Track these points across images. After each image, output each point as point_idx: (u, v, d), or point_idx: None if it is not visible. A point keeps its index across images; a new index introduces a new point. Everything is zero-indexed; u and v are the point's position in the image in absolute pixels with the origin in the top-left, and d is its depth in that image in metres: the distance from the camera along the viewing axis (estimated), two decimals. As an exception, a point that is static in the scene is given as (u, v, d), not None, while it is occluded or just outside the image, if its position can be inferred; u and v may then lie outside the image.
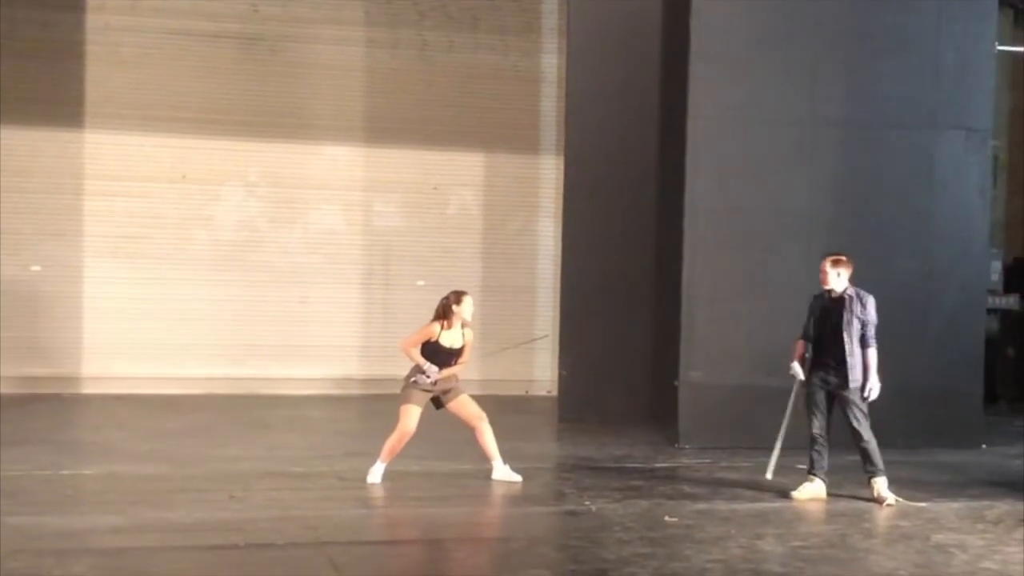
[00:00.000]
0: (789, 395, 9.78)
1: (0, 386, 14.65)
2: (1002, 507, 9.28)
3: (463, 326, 9.75)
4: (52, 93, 15.61)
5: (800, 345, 9.66)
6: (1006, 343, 16.72)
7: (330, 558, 7.29)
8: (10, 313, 15.32)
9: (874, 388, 9.31)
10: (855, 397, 9.30)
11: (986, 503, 9.44)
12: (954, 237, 12.62)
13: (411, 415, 9.58)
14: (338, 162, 16.55)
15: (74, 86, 15.69)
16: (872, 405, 9.45)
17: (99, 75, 15.76)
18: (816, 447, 9.49)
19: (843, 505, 9.26)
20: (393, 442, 9.64)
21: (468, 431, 9.95)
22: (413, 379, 9.63)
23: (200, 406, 14.48)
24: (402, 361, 9.90)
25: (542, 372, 16.56)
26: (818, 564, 7.39)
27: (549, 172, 16.77)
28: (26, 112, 15.42)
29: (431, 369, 9.55)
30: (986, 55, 12.79)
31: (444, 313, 9.68)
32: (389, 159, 16.59)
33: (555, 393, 14.62)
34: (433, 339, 9.62)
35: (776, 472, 9.95)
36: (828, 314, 9.43)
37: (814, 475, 9.51)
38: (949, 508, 9.24)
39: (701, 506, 9.09)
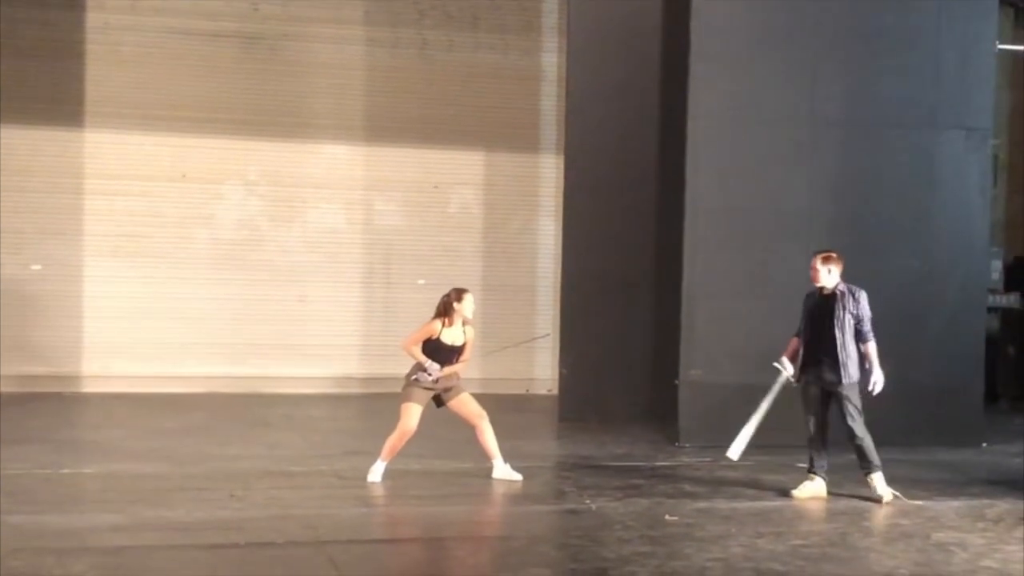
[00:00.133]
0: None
1: (0, 385, 14.65)
2: (1002, 506, 9.28)
3: (464, 324, 9.75)
4: (52, 92, 15.62)
5: (793, 342, 9.66)
6: (1006, 342, 16.72)
7: (330, 557, 7.29)
8: (10, 312, 15.32)
9: (878, 382, 9.29)
10: (850, 393, 9.29)
11: (986, 502, 9.44)
12: (954, 236, 12.61)
13: (412, 414, 9.58)
14: (338, 161, 16.55)
15: (74, 85, 15.70)
16: (872, 403, 9.45)
17: (99, 74, 15.77)
18: (815, 446, 9.50)
19: (843, 504, 9.25)
20: (394, 441, 9.64)
21: (468, 430, 9.95)
22: (414, 377, 9.63)
23: (200, 405, 14.48)
24: (402, 360, 9.90)
25: (542, 371, 16.56)
26: (819, 562, 7.39)
27: (549, 171, 16.78)
28: (26, 111, 15.42)
29: (433, 367, 9.54)
30: (986, 54, 12.78)
31: (445, 311, 9.68)
32: (389, 158, 16.60)
33: (555, 392, 14.62)
34: (434, 337, 9.62)
35: (775, 470, 9.95)
36: (820, 311, 9.43)
37: (814, 473, 9.51)
38: (949, 506, 9.24)
39: (701, 505, 9.09)
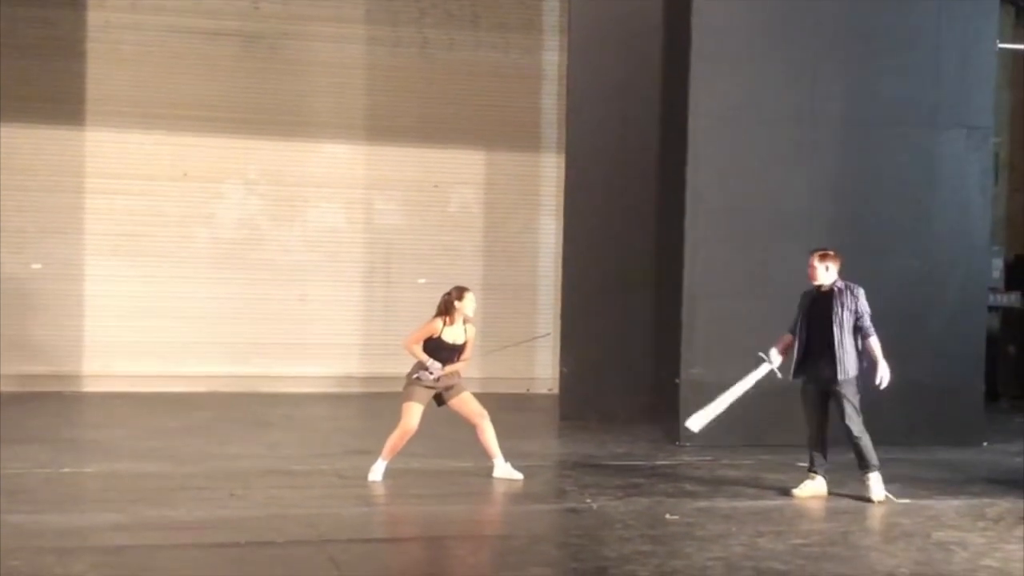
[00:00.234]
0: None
1: (1, 384, 14.65)
2: (1003, 505, 9.28)
3: (465, 322, 9.75)
4: (53, 91, 15.62)
5: (787, 338, 9.66)
6: (1007, 341, 16.72)
7: (331, 556, 7.29)
8: (11, 311, 15.32)
9: (885, 375, 9.27)
10: (847, 392, 9.28)
11: (987, 501, 9.43)
12: (955, 235, 12.61)
13: (413, 413, 9.58)
14: (339, 160, 16.55)
15: (75, 84, 15.70)
16: (873, 402, 9.45)
17: (100, 73, 15.77)
18: (815, 445, 9.50)
19: (844, 503, 9.25)
20: (395, 440, 9.64)
21: (469, 429, 9.95)
22: (416, 376, 9.63)
23: (201, 404, 14.48)
24: (403, 359, 9.90)
25: (543, 370, 16.56)
26: (819, 562, 7.39)
27: (550, 170, 16.77)
28: (27, 110, 15.42)
29: (434, 366, 9.54)
30: (987, 53, 12.78)
31: (446, 309, 9.68)
32: (390, 157, 16.60)
33: (556, 391, 14.62)
34: (436, 335, 9.62)
35: (775, 469, 9.94)
36: (817, 308, 9.43)
37: (814, 473, 9.51)
38: (950, 505, 9.24)
39: (702, 504, 9.09)
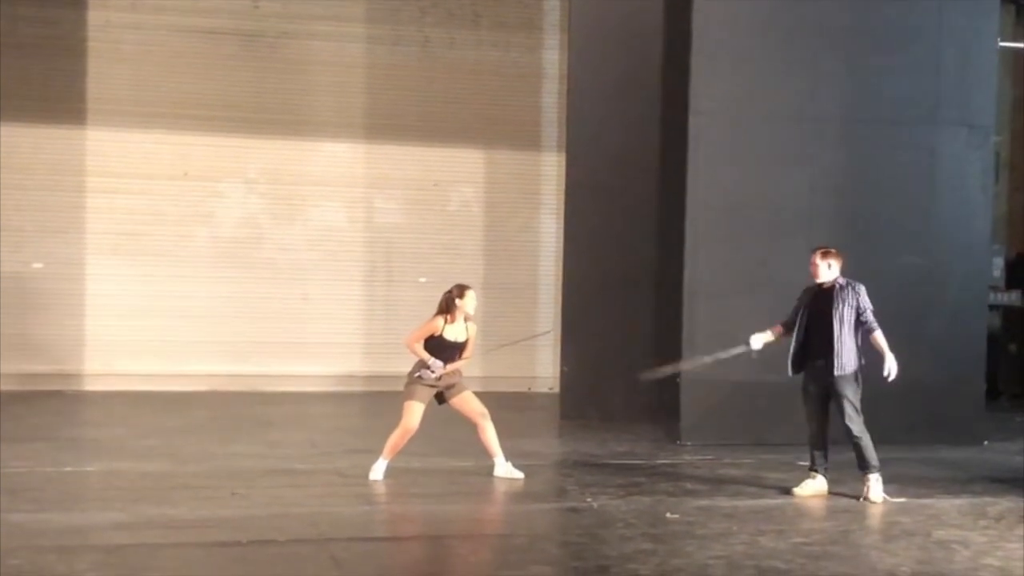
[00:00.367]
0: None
1: (2, 383, 14.65)
2: (1004, 503, 9.27)
3: (466, 320, 9.75)
4: (53, 90, 15.64)
5: (777, 328, 9.68)
6: (1008, 339, 16.74)
7: (332, 555, 7.29)
8: (12, 310, 15.34)
9: (892, 368, 9.25)
10: (846, 390, 9.27)
11: (988, 499, 9.43)
12: (956, 233, 12.61)
13: (414, 412, 9.58)
14: (339, 159, 16.55)
15: (75, 83, 15.72)
16: (874, 401, 9.45)
17: (100, 72, 15.78)
18: (816, 444, 9.50)
19: (845, 502, 9.25)
20: (396, 439, 9.64)
21: (470, 428, 9.95)
22: (417, 374, 9.62)
23: (202, 403, 14.49)
24: (404, 357, 9.90)
25: (544, 369, 16.57)
26: (820, 560, 7.39)
27: (550, 168, 16.78)
28: (27, 109, 15.43)
29: (436, 364, 9.54)
30: (988, 51, 12.78)
31: (447, 307, 9.68)
32: (390, 155, 16.61)
33: (557, 390, 14.62)
34: (437, 334, 9.62)
35: (776, 468, 9.95)
36: (818, 304, 9.42)
37: (815, 472, 9.51)
38: (951, 504, 9.24)
39: (703, 502, 9.09)
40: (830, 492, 9.46)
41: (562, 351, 14.12)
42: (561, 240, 14.64)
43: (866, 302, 9.35)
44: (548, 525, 8.61)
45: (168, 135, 15.92)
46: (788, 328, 9.64)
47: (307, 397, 15.37)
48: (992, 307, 14.96)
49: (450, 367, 9.63)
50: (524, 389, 16.41)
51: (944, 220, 12.60)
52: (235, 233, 16.26)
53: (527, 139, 16.89)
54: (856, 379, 9.33)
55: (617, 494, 9.30)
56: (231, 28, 16.15)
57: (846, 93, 12.37)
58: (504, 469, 9.85)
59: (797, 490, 9.45)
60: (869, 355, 9.37)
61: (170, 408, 13.93)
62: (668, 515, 8.57)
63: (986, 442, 12.42)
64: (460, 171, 16.83)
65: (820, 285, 9.46)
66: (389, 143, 16.55)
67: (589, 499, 9.10)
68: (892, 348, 9.36)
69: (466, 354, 9.77)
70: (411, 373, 9.69)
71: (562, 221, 14.49)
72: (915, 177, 12.58)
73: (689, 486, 9.76)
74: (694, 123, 12.10)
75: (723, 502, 9.13)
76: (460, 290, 9.73)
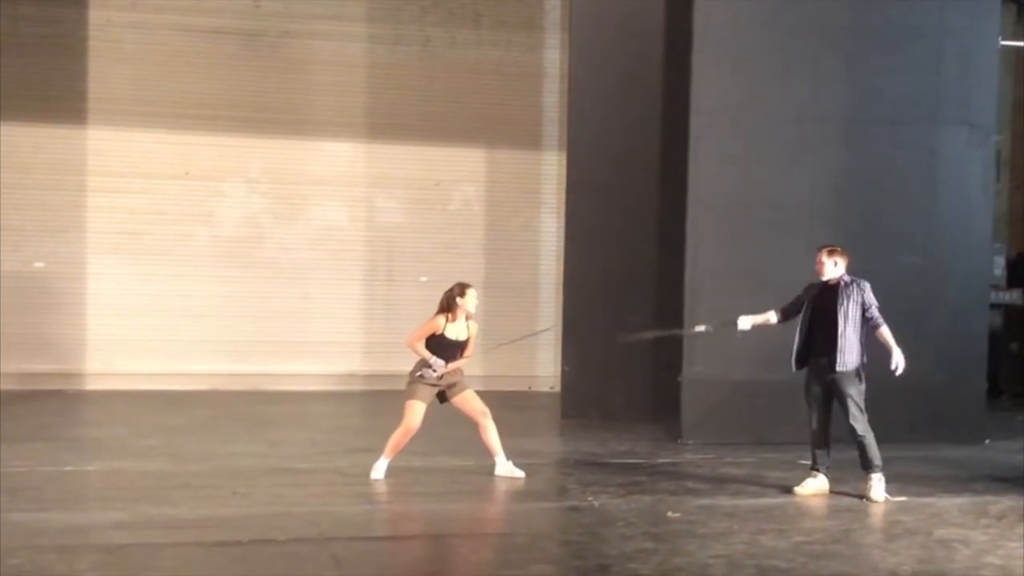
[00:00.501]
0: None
1: (3, 382, 14.66)
2: (1005, 502, 9.27)
3: (467, 319, 9.75)
4: (54, 89, 15.64)
5: (771, 313, 9.69)
6: (1009, 338, 16.73)
7: (333, 554, 7.29)
8: (13, 309, 15.34)
9: (900, 361, 9.23)
10: (849, 389, 9.27)
11: (989, 498, 9.43)
12: (956, 232, 12.60)
13: (416, 411, 9.57)
14: (340, 158, 16.56)
15: (76, 82, 15.72)
16: (876, 400, 9.44)
17: (101, 71, 15.78)
18: (818, 443, 9.49)
19: (846, 501, 9.25)
20: (397, 438, 9.64)
21: (471, 427, 9.95)
22: (419, 373, 9.62)
23: (203, 402, 14.49)
24: (405, 357, 9.90)
25: (545, 368, 16.57)
26: (821, 559, 7.39)
27: (551, 168, 16.78)
28: (28, 108, 15.44)
29: (438, 363, 9.54)
30: (989, 50, 12.77)
31: (448, 306, 9.68)
32: (391, 155, 16.61)
33: (558, 389, 14.62)
34: (438, 332, 9.62)
35: (777, 467, 9.96)
36: (823, 300, 9.42)
37: (817, 470, 9.50)
38: (952, 503, 9.23)
39: (704, 501, 9.09)
40: (831, 491, 9.45)
41: (563, 350, 14.12)
42: (562, 239, 14.64)
43: (871, 299, 9.37)
44: (549, 524, 8.61)
45: (169, 134, 15.92)
46: (786, 316, 9.66)
47: (308, 396, 15.37)
48: (993, 306, 14.95)
49: (451, 366, 9.63)
50: (525, 388, 16.41)
51: (945, 219, 12.60)
52: (236, 232, 16.26)
53: (528, 138, 16.89)
54: (859, 377, 9.33)
55: (618, 493, 9.30)
56: (232, 27, 16.15)
57: (847, 92, 12.36)
58: (505, 468, 9.85)
59: (798, 489, 9.45)
60: (874, 352, 9.37)
61: (171, 407, 13.93)
62: (669, 514, 8.57)
63: (987, 441, 12.42)
64: (461, 170, 16.83)
65: (826, 282, 9.46)
66: (390, 142, 16.55)
67: (590, 498, 9.10)
68: (893, 346, 9.36)
69: (467, 353, 9.77)
70: (412, 372, 9.69)
71: (563, 220, 14.48)
72: (916, 176, 12.57)
73: (690, 485, 9.76)
74: (695, 123, 12.10)
75: (724, 501, 9.12)
76: (461, 289, 9.73)
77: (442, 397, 9.78)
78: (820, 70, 12.32)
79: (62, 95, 15.66)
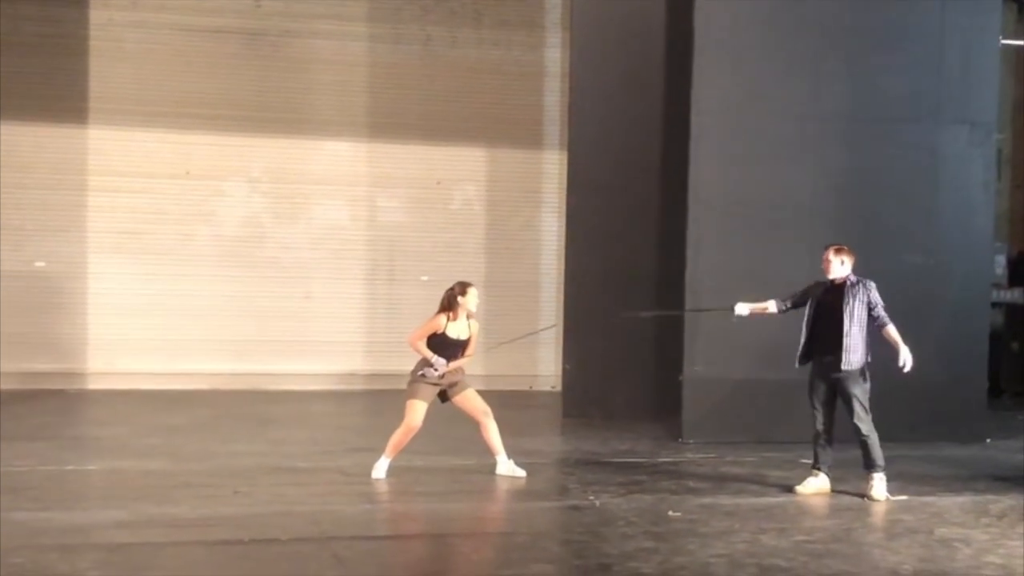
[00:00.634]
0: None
1: (4, 382, 14.66)
2: (1006, 501, 9.27)
3: (468, 317, 9.75)
4: (55, 88, 15.64)
5: (772, 302, 9.71)
6: (1010, 337, 16.71)
7: (334, 553, 7.29)
8: (14, 309, 15.34)
9: (907, 359, 9.24)
10: (854, 388, 9.27)
11: (990, 497, 9.43)
12: (958, 231, 12.60)
13: (417, 410, 9.58)
14: (341, 157, 16.55)
15: (77, 81, 15.71)
16: (877, 399, 9.43)
17: (102, 70, 15.78)
18: (820, 442, 9.49)
19: (847, 500, 9.25)
20: (399, 437, 9.64)
21: (472, 426, 9.95)
22: (421, 372, 9.62)
23: (204, 402, 14.49)
24: (406, 356, 9.90)
25: (546, 367, 16.57)
26: (822, 558, 7.39)
27: (552, 167, 16.78)
28: (29, 107, 15.44)
29: (439, 362, 9.54)
30: (990, 49, 12.77)
31: (450, 304, 9.68)
32: (392, 154, 16.60)
33: (559, 388, 14.62)
34: (440, 331, 9.62)
35: (778, 466, 9.98)
36: (829, 298, 9.43)
37: (818, 469, 9.50)
38: (953, 502, 9.24)
39: (705, 501, 9.09)
40: (833, 490, 9.46)
41: (564, 349, 14.13)
42: (563, 238, 14.64)
43: (877, 298, 9.38)
44: (550, 523, 8.61)
45: (170, 134, 15.91)
46: (791, 305, 9.64)
47: (309, 395, 15.37)
48: (994, 305, 14.94)
49: (453, 365, 9.63)
50: (526, 387, 16.41)
51: (946, 218, 12.60)
52: (237, 232, 16.26)
53: (529, 137, 16.89)
54: (864, 377, 9.33)
55: (619, 492, 9.30)
56: (233, 27, 16.15)
57: (848, 92, 12.36)
58: (506, 467, 9.85)
59: (799, 488, 9.45)
60: (880, 352, 9.37)
61: (172, 406, 13.93)
62: (670, 513, 8.58)
63: (988, 440, 12.42)
64: (462, 169, 16.83)
65: (832, 281, 9.46)
66: (391, 142, 16.55)
67: (591, 497, 9.11)
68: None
69: (468, 352, 9.77)
70: (414, 371, 9.69)
71: (564, 219, 14.48)
72: (917, 175, 12.56)
73: (691, 484, 9.76)
74: (696, 122, 12.10)
75: (725, 500, 9.13)
76: (462, 287, 9.73)
77: (443, 396, 9.78)
78: (821, 69, 12.32)
79: (63, 94, 15.66)
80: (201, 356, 15.91)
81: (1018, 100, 18.15)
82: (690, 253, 12.08)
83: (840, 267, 9.43)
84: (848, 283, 9.40)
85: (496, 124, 16.74)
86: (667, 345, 12.99)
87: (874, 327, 9.35)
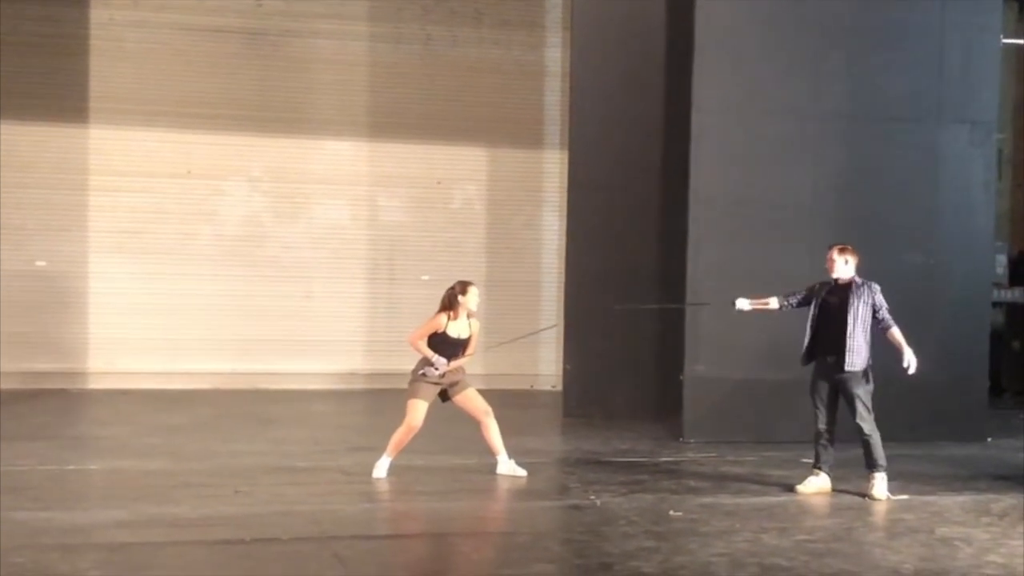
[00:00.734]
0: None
1: (5, 381, 14.67)
2: (1007, 501, 9.27)
3: (469, 316, 9.75)
4: (56, 88, 15.63)
5: (774, 299, 9.70)
6: (1011, 336, 16.71)
7: (335, 552, 7.29)
8: (15, 308, 15.34)
9: (912, 360, 9.25)
10: (857, 389, 9.28)
11: (991, 496, 9.43)
12: (959, 231, 12.60)
13: (418, 410, 9.58)
14: (342, 157, 16.55)
15: (78, 81, 15.71)
16: (877, 398, 9.44)
17: (103, 70, 15.78)
18: (821, 441, 9.48)
19: (848, 499, 9.25)
20: (400, 436, 9.64)
21: (472, 425, 9.95)
22: (421, 372, 9.62)
23: (205, 401, 14.49)
24: (407, 355, 9.90)
25: (547, 367, 16.57)
26: (823, 558, 7.39)
27: (553, 166, 16.78)
28: (29, 107, 15.44)
29: (440, 361, 9.54)
30: (991, 48, 12.77)
31: (450, 303, 9.68)
32: (393, 154, 16.60)
33: (560, 387, 14.62)
34: (440, 330, 9.62)
35: (779, 466, 10.00)
36: (833, 298, 9.42)
37: (819, 469, 9.50)
38: (954, 501, 9.24)
39: (706, 500, 9.09)
40: (833, 489, 9.46)
41: (565, 349, 14.13)
42: (564, 237, 14.63)
43: (881, 300, 9.39)
44: (551, 523, 8.61)
45: (171, 133, 15.92)
46: (794, 304, 9.63)
47: (310, 395, 15.37)
48: (995, 304, 14.94)
49: (453, 364, 9.63)
50: (527, 387, 16.41)
51: (947, 217, 12.60)
52: (238, 231, 16.26)
53: (530, 137, 16.89)
54: (866, 377, 9.33)
55: (620, 492, 9.30)
56: (234, 26, 16.15)
57: (848, 91, 12.36)
58: (507, 467, 9.85)
59: (800, 487, 9.45)
60: (883, 353, 9.37)
61: (173, 406, 13.93)
62: (671, 513, 8.58)
63: (989, 439, 12.42)
64: (463, 169, 16.83)
65: (836, 281, 9.46)
66: (392, 141, 16.55)
67: (592, 497, 9.11)
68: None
69: (469, 351, 9.77)
70: (415, 371, 9.69)
71: (565, 218, 14.48)
72: (918, 175, 12.56)
73: (692, 483, 9.76)
74: (696, 121, 12.09)
75: (726, 499, 9.13)
76: (463, 287, 9.73)
77: (444, 396, 9.77)
78: (821, 69, 12.32)
79: (64, 94, 15.66)
80: (202, 355, 15.91)
81: (1018, 100, 18.15)
82: (691, 252, 12.08)
83: (844, 267, 9.43)
84: (853, 284, 9.40)
85: (497, 124, 16.74)
86: (668, 345, 13.00)
87: (878, 329, 9.35)
